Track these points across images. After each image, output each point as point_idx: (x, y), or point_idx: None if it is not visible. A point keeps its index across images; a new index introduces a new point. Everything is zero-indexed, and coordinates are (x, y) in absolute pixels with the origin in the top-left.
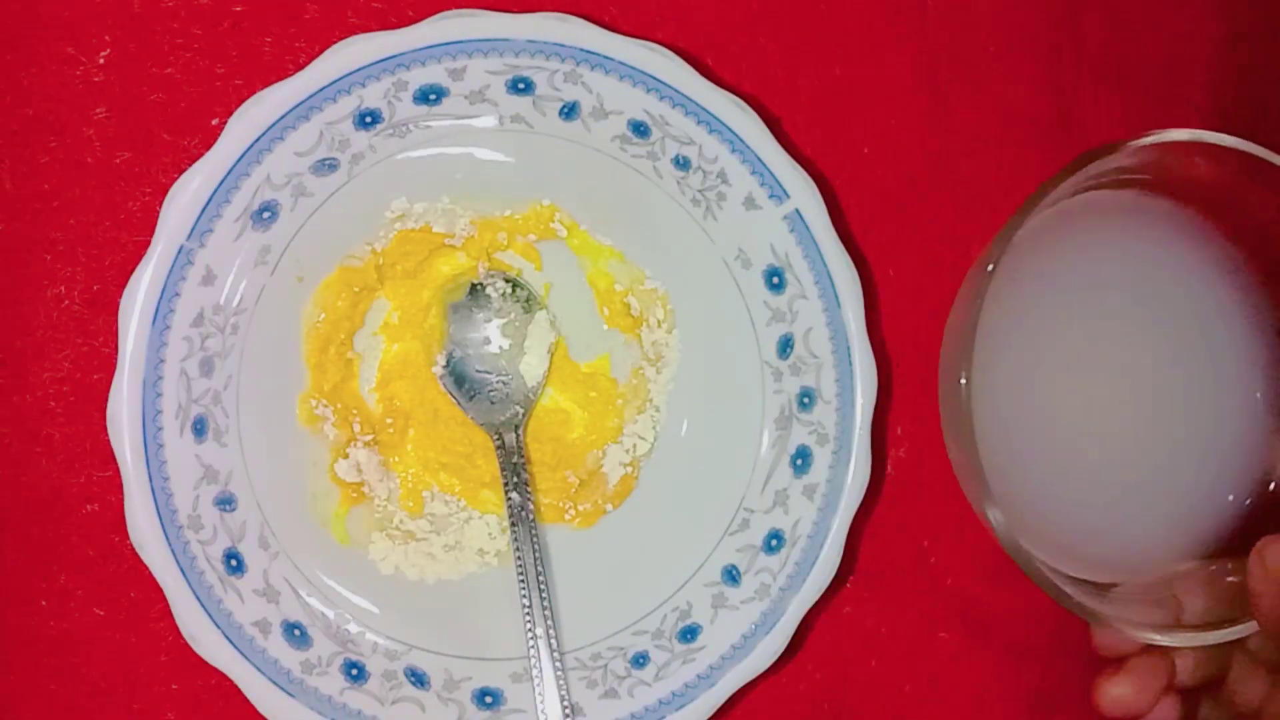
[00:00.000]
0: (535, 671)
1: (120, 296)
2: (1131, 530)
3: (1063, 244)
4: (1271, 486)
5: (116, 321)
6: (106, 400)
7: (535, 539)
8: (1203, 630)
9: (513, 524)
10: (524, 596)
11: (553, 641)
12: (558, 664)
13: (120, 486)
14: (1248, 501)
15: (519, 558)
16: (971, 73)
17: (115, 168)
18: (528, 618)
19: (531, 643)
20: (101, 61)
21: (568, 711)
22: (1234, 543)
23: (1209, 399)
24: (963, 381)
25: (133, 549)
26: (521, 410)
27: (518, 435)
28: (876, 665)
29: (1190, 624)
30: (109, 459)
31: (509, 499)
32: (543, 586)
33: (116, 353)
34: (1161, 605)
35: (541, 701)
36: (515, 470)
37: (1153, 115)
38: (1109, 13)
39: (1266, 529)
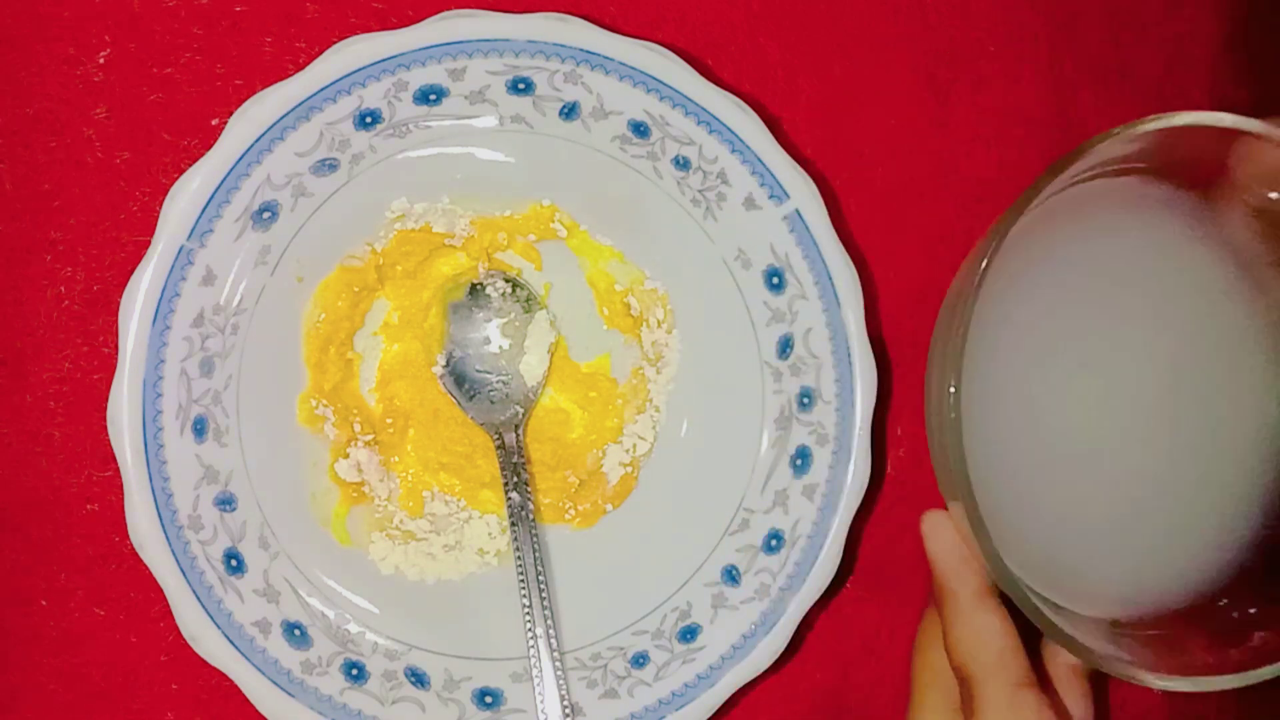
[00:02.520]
0: (535, 671)
1: (120, 296)
2: (1137, 561)
3: (1061, 240)
4: None
5: (116, 321)
6: (106, 400)
7: (535, 539)
8: (1205, 675)
9: (513, 524)
10: (524, 596)
11: (553, 641)
12: (558, 664)
13: (120, 486)
14: (1266, 532)
15: (519, 558)
16: (971, 73)
17: (115, 168)
18: (528, 617)
19: (531, 643)
20: (101, 61)
21: (568, 712)
22: (1248, 579)
23: (1228, 412)
24: (951, 390)
25: (133, 549)
26: (521, 410)
27: (518, 435)
28: (876, 665)
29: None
30: (109, 459)
31: (509, 499)
32: (543, 586)
33: (116, 353)
34: (1165, 644)
35: (542, 701)
36: (515, 470)
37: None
38: (1109, 13)
39: None
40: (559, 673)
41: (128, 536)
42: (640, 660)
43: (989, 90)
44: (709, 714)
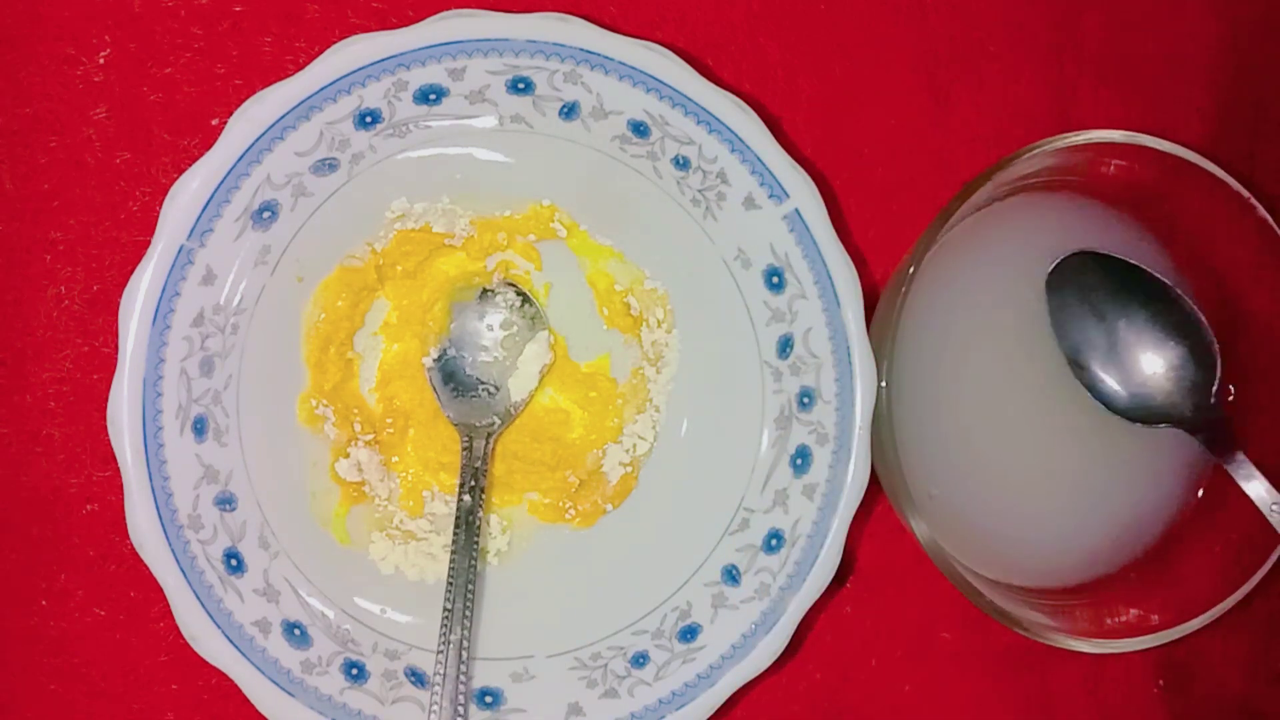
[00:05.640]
0: (438, 677)
1: (120, 296)
2: (1055, 537)
3: (988, 248)
4: (1200, 494)
5: (116, 321)
6: (106, 400)
7: (475, 546)
8: (1125, 638)
9: (457, 526)
10: (448, 599)
11: (464, 650)
12: (463, 671)
13: (120, 486)
14: (1173, 511)
15: (454, 560)
16: (971, 73)
17: (115, 168)
18: (445, 621)
19: (442, 648)
20: (101, 61)
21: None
22: (1160, 551)
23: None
24: (882, 385)
25: (133, 549)
26: (499, 422)
27: (488, 444)
28: (876, 665)
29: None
30: (109, 459)
31: (461, 500)
32: (470, 593)
33: (116, 353)
34: (1089, 610)
35: (438, 706)
36: (475, 475)
37: (1153, 115)
38: (1109, 13)
39: (1193, 538)
40: (462, 679)
41: (128, 536)
42: (640, 660)
43: (989, 90)
44: (709, 713)
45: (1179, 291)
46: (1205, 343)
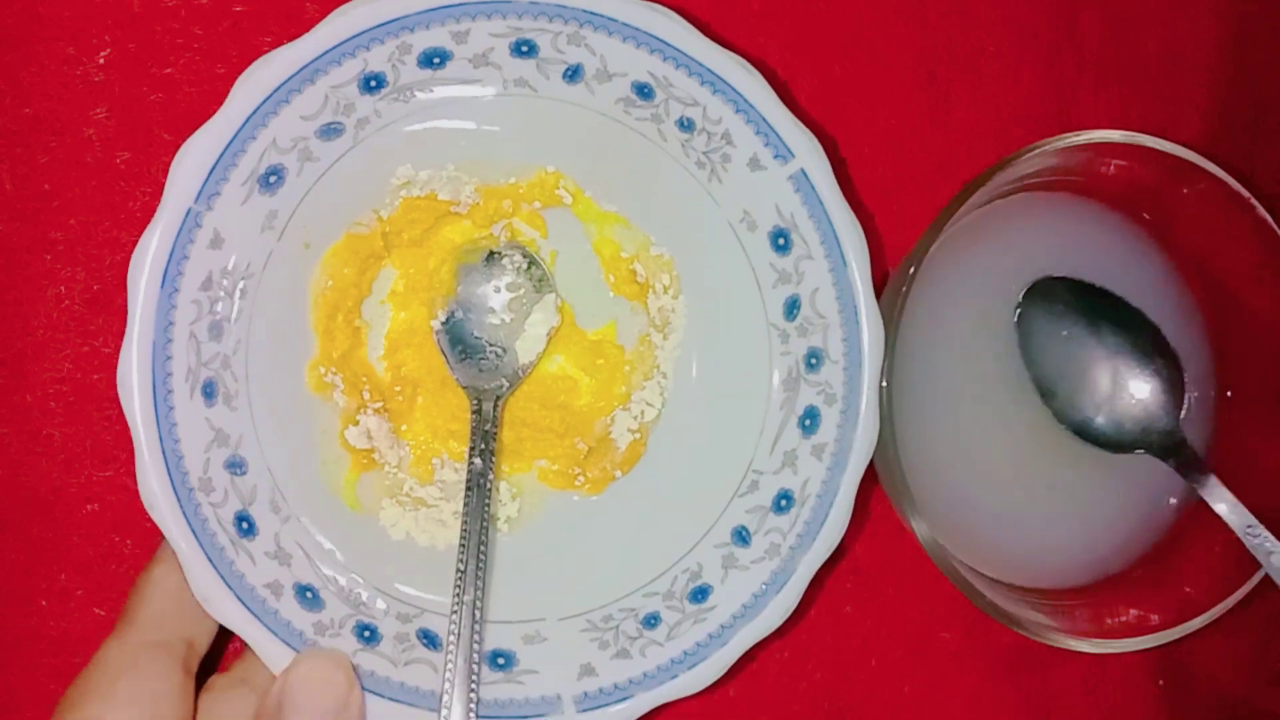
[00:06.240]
0: (452, 638)
1: (120, 297)
2: (1054, 541)
3: (988, 247)
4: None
5: (116, 322)
6: (106, 400)
7: (487, 508)
8: (1125, 638)
9: (468, 489)
10: (461, 559)
11: (477, 611)
12: (477, 632)
13: (121, 487)
14: (1175, 511)
15: (466, 523)
16: (971, 73)
17: (115, 168)
18: (458, 582)
19: (456, 609)
20: (101, 61)
21: (474, 684)
22: (1160, 551)
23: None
24: (883, 384)
25: (133, 549)
26: (507, 384)
27: (496, 406)
28: (876, 665)
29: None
30: (109, 459)
31: (471, 464)
32: (482, 555)
33: (117, 353)
34: (1089, 610)
35: (453, 664)
36: (485, 438)
37: (1152, 115)
38: (1109, 12)
39: (1193, 538)
40: (476, 642)
41: (128, 536)
42: (652, 621)
43: (989, 90)
44: (720, 673)
45: (1146, 316)
46: (1174, 369)
